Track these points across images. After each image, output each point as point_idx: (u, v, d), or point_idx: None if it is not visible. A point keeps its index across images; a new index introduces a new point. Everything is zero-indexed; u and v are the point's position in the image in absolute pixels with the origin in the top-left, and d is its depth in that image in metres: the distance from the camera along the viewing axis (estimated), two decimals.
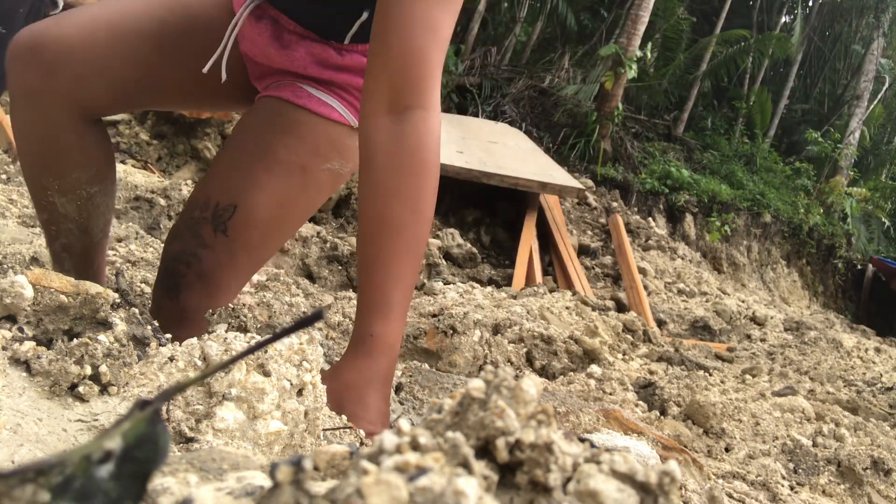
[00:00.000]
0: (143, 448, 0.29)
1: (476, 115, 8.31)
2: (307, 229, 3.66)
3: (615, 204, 7.60)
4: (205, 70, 1.23)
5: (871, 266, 10.53)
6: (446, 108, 8.19)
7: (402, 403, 1.34)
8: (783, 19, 13.47)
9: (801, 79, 14.01)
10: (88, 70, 1.17)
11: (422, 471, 0.28)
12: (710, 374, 2.32)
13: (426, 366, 1.72)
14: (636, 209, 8.01)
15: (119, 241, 2.40)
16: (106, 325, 0.81)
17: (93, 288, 0.82)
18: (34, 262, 1.61)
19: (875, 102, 13.01)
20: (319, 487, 0.29)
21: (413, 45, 0.98)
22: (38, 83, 1.16)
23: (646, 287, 5.36)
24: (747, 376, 2.46)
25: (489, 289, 3.24)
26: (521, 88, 9.11)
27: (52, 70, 1.15)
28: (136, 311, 0.84)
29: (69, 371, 0.70)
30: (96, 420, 0.69)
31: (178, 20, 1.24)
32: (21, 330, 0.77)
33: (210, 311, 1.13)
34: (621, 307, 4.45)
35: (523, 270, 4.82)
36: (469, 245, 4.82)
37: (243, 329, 1.11)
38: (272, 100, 1.25)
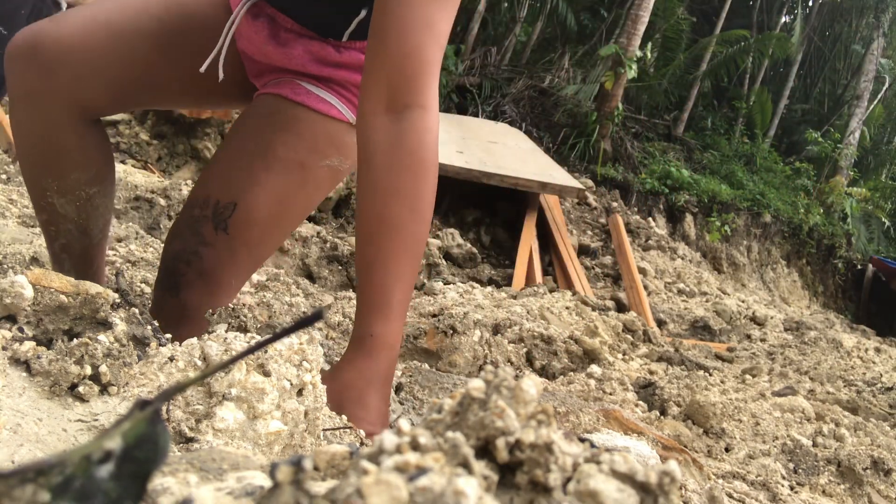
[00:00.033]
0: (143, 448, 0.29)
1: (476, 115, 8.32)
2: (307, 229, 3.66)
3: (615, 204, 7.60)
4: (202, 69, 1.23)
5: (871, 266, 10.54)
6: (446, 109, 8.20)
7: (402, 403, 1.34)
8: (783, 19, 13.47)
9: (801, 79, 14.01)
10: (87, 70, 1.16)
11: (422, 471, 0.28)
12: (710, 374, 2.32)
13: (426, 366, 1.72)
14: (636, 209, 8.02)
15: (119, 241, 2.40)
16: (106, 325, 0.81)
17: (93, 288, 0.82)
18: (34, 262, 1.61)
19: (875, 102, 13.02)
20: (319, 487, 0.29)
21: (411, 43, 0.98)
22: (38, 83, 1.15)
23: (646, 287, 5.36)
24: (747, 376, 2.46)
25: (489, 289, 3.24)
26: (521, 88, 9.11)
27: (52, 70, 1.15)
28: (136, 311, 0.84)
29: (69, 371, 0.70)
30: (96, 420, 0.69)
31: (175, 19, 1.24)
32: (21, 330, 0.77)
33: (210, 310, 1.13)
34: (621, 307, 4.45)
35: (523, 270, 4.82)
36: (469, 245, 4.82)
37: (243, 329, 1.11)
38: (270, 97, 1.25)
